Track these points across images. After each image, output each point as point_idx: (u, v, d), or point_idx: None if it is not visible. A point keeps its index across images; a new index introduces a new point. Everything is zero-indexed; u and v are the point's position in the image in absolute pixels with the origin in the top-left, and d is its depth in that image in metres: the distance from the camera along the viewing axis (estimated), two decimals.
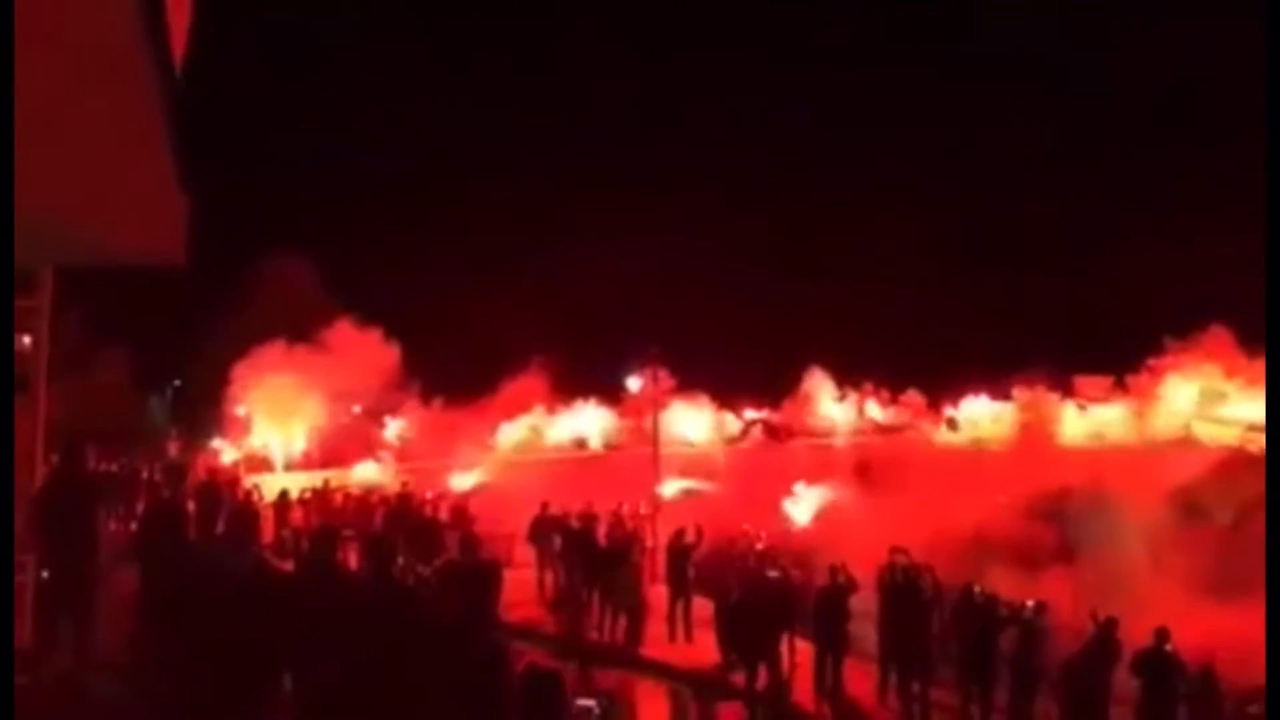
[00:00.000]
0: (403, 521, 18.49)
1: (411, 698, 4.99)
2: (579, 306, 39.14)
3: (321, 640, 5.36)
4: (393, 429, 33.65)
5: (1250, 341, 33.31)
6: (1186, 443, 33.95)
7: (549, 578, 17.54)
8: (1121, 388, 37.23)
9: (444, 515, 19.09)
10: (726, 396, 36.56)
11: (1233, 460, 31.33)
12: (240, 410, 32.21)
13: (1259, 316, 32.70)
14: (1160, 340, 36.47)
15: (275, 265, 37.94)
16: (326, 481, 22.74)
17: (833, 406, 37.87)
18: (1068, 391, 37.49)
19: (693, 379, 34.69)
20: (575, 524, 17.13)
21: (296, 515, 20.34)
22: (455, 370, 32.98)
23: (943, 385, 37.78)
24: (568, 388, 34.87)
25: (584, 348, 33.09)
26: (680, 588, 15.68)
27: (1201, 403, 35.59)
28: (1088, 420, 36.35)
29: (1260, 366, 32.80)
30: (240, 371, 31.59)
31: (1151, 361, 36.74)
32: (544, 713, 5.09)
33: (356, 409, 33.72)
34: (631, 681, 13.84)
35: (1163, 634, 11.76)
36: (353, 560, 7.75)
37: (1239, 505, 29.77)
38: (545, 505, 18.07)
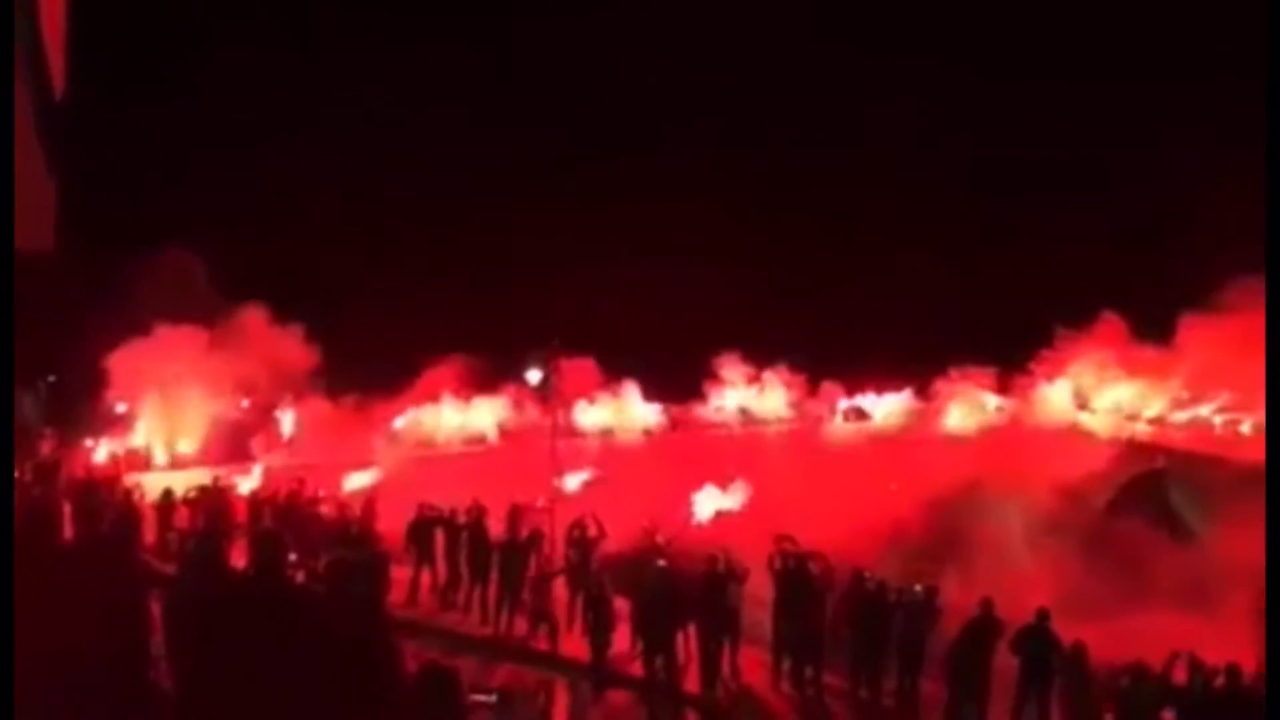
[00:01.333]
0: (294, 518, 18.09)
1: (300, 697, 4.86)
2: (504, 302, 38.85)
3: (205, 642, 5.19)
4: (294, 425, 32.68)
5: (1142, 330, 34.42)
6: (1074, 432, 35.05)
7: (427, 576, 17.33)
8: (1024, 373, 37.71)
9: (351, 511, 18.71)
10: (652, 388, 36.72)
11: (1117, 449, 32.72)
12: (120, 406, 30.84)
13: (1151, 304, 33.97)
14: (1052, 329, 37.07)
15: (161, 256, 36.34)
16: (216, 480, 21.97)
17: (748, 398, 38.43)
18: (962, 382, 38.25)
19: (620, 370, 35.04)
20: (462, 519, 16.96)
21: (182, 515, 19.62)
22: (373, 366, 32.31)
23: (856, 377, 38.55)
24: (487, 382, 34.55)
25: (509, 342, 32.70)
26: (580, 580, 15.66)
27: (1091, 392, 36.61)
28: (980, 410, 37.21)
29: (1149, 355, 34.15)
30: (120, 364, 30.21)
31: (1045, 352, 37.36)
32: (441, 709, 5.04)
33: (245, 403, 32.64)
34: (528, 675, 13.79)
35: (1043, 614, 12.28)
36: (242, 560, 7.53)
37: (1116, 492, 31.34)
38: (423, 504, 17.77)
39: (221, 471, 24.05)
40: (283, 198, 40.79)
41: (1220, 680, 10.60)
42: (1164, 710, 10.91)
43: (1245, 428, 30.72)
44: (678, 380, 37.36)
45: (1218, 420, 32.18)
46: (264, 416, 32.53)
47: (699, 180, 45.91)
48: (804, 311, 41.04)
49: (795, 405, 38.56)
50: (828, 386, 38.66)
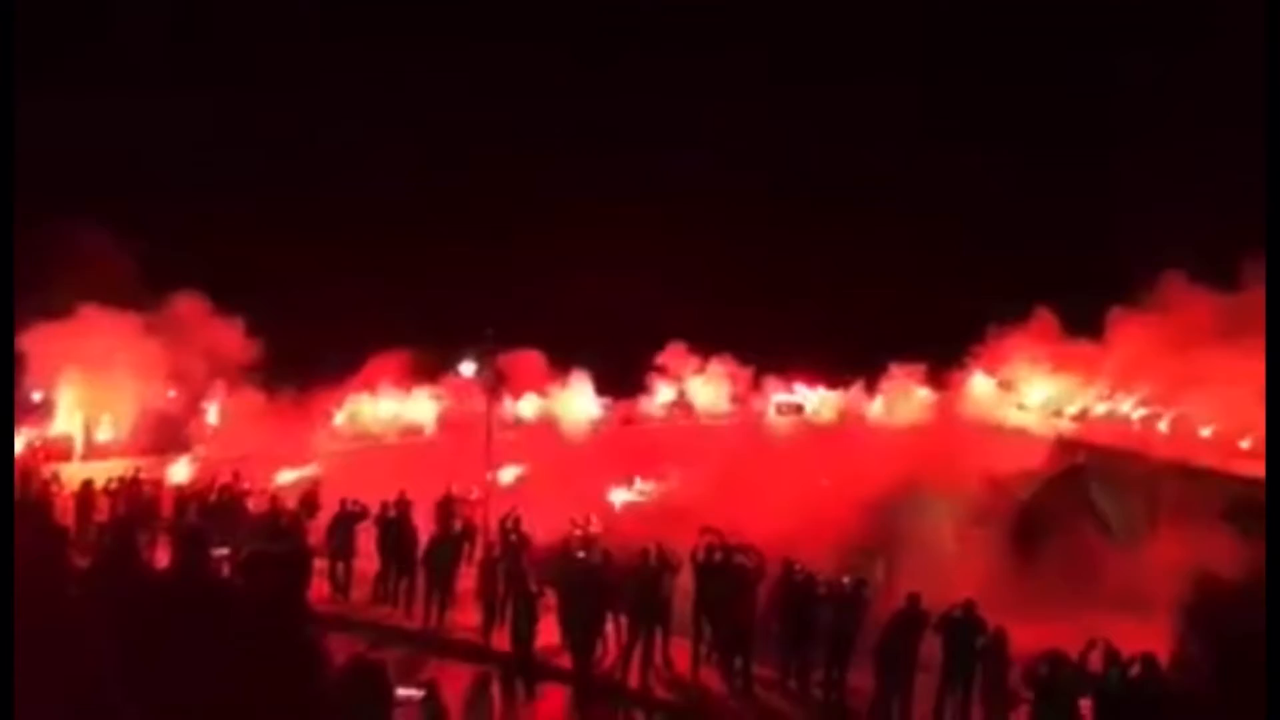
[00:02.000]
0: (223, 512, 17.73)
1: (218, 690, 4.76)
2: (453, 295, 38.69)
3: (119, 636, 5.06)
4: (220, 416, 31.90)
5: (1075, 325, 35.11)
6: (1004, 427, 35.66)
7: (342, 568, 17.15)
8: (958, 368, 38.11)
9: (282, 505, 18.41)
10: (600, 378, 36.76)
11: (1045, 444, 33.46)
12: (36, 394, 29.82)
13: (1083, 299, 34.81)
14: (984, 325, 37.58)
15: (83, 239, 35.19)
16: (138, 471, 21.36)
17: (692, 389, 38.67)
18: (898, 376, 38.64)
19: (568, 361, 35.02)
20: (392, 513, 16.81)
21: (102, 507, 19.07)
22: (316, 358, 31.81)
23: (799, 371, 39.00)
24: (429, 374, 34.25)
25: (458, 334, 32.49)
26: (515, 574, 15.61)
27: (1022, 387, 37.25)
28: (914, 405, 37.68)
29: (1080, 350, 34.95)
30: (36, 346, 29.17)
31: (978, 347, 37.83)
32: (368, 704, 5.00)
33: (172, 393, 31.80)
34: (457, 669, 13.71)
35: (969, 604, 12.55)
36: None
37: (1039, 487, 32.10)
38: (345, 500, 17.56)
39: (145, 462, 23.42)
40: (224, 191, 40.11)
41: (1135, 669, 10.91)
42: (1081, 698, 11.19)
43: (1163, 424, 31.63)
44: (625, 370, 37.56)
45: (1135, 415, 33.05)
46: (192, 407, 31.79)
47: (660, 179, 46.14)
48: (748, 307, 41.46)
49: (737, 399, 38.98)
50: (770, 381, 39.10)
